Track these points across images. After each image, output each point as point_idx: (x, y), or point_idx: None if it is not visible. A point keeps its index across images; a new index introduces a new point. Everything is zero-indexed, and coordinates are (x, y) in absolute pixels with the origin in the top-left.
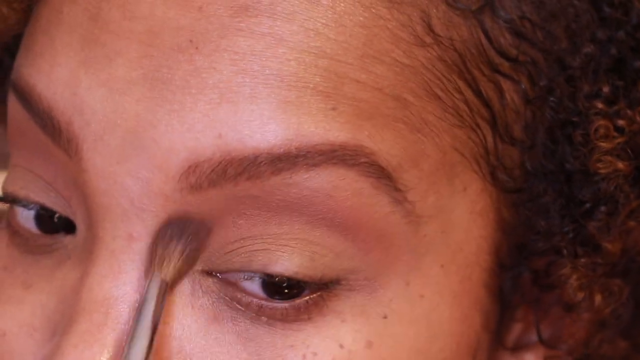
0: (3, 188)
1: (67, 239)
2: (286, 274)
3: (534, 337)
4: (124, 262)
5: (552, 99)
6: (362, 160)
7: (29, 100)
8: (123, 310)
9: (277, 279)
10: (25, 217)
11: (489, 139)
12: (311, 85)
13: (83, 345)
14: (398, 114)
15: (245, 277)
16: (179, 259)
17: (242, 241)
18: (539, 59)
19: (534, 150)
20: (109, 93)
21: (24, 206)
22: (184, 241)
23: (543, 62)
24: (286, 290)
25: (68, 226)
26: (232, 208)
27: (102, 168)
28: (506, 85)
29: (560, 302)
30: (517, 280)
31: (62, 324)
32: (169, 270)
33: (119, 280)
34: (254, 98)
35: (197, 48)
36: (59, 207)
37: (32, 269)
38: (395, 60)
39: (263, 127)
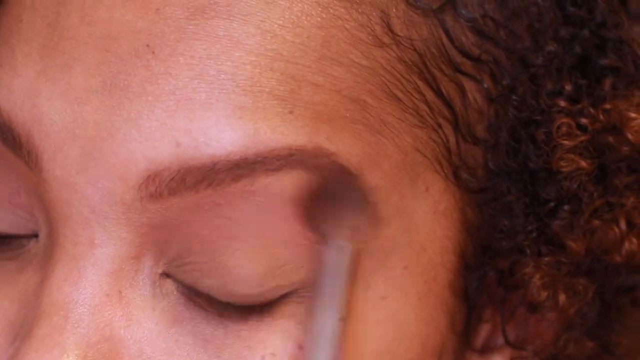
0: None
1: (30, 244)
2: (241, 292)
3: (501, 338)
4: (85, 268)
5: (514, 97)
6: (323, 161)
7: None
8: (83, 313)
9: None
10: None
11: (451, 138)
12: (267, 90)
13: (43, 350)
14: (356, 115)
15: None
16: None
17: (199, 256)
18: (502, 58)
19: (497, 149)
20: (68, 103)
21: None
22: (363, 209)
23: (506, 61)
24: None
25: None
26: (194, 216)
27: (62, 178)
28: (468, 84)
29: (525, 302)
30: (482, 280)
31: (23, 329)
32: (356, 238)
33: (79, 285)
34: (209, 104)
35: (153, 53)
36: (20, 228)
37: None
38: (353, 61)
39: (219, 133)
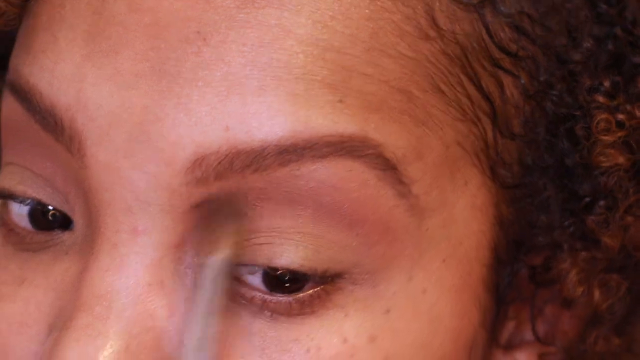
0: None
1: (64, 235)
2: (290, 267)
3: (526, 335)
4: (127, 256)
5: (552, 93)
6: (369, 152)
7: (29, 100)
8: (126, 303)
9: (279, 272)
10: (19, 215)
11: (489, 133)
12: (319, 78)
13: (85, 339)
14: (403, 106)
15: (249, 270)
16: (230, 238)
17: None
18: (538, 54)
19: (534, 145)
20: (115, 87)
21: (21, 202)
22: (232, 221)
23: (542, 57)
24: (287, 285)
25: (64, 223)
26: (238, 200)
27: (106, 163)
28: (506, 80)
29: (558, 298)
30: (514, 276)
31: (61, 319)
32: (222, 249)
33: (122, 274)
34: (262, 90)
35: (204, 40)
36: (56, 202)
37: (27, 264)
38: (400, 53)
39: (271, 119)
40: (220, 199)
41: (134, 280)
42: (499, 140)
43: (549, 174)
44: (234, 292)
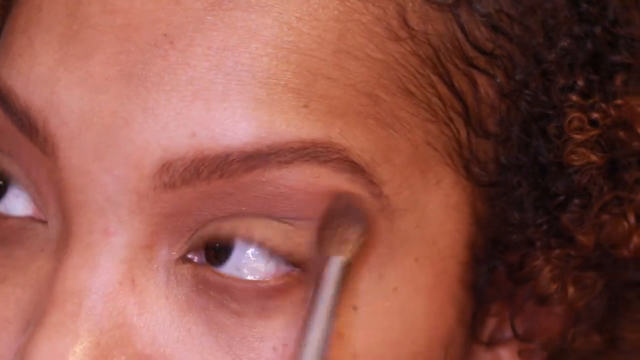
0: None
1: (38, 227)
2: (254, 240)
3: (508, 332)
4: (99, 255)
5: (527, 92)
6: (334, 156)
7: (6, 101)
8: (97, 301)
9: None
10: None
11: (462, 133)
12: (282, 82)
13: (56, 336)
14: (370, 110)
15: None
16: (356, 241)
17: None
18: (515, 53)
19: (508, 143)
20: (86, 91)
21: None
22: (358, 224)
23: (519, 56)
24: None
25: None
26: (207, 205)
27: (78, 166)
28: (481, 79)
29: (534, 295)
30: (491, 274)
31: (35, 316)
32: (347, 251)
33: (94, 272)
34: (226, 95)
35: (172, 43)
36: (32, 191)
37: (6, 261)
38: (368, 55)
39: (235, 125)
40: (343, 205)
41: (106, 278)
42: (472, 139)
43: (524, 172)
44: (203, 283)
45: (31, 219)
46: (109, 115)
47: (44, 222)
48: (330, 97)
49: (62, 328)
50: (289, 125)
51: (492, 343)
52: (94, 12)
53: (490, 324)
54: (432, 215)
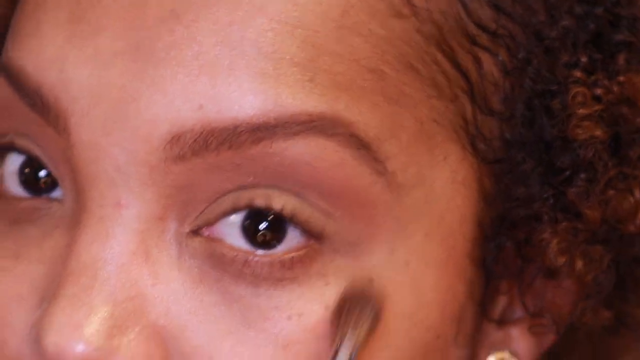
0: None
1: (53, 206)
2: (274, 207)
3: (518, 311)
4: (112, 228)
5: (530, 69)
6: (341, 130)
7: (18, 81)
8: (110, 272)
9: (263, 215)
10: (11, 175)
11: (468, 110)
12: (288, 57)
13: (71, 309)
14: (375, 86)
15: (230, 223)
16: (365, 328)
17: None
18: (517, 32)
19: (513, 120)
20: (95, 67)
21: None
22: (368, 312)
23: (521, 35)
24: (269, 236)
25: (53, 188)
26: (217, 176)
27: (88, 141)
28: (484, 57)
29: (543, 270)
30: (500, 251)
31: (50, 290)
32: (358, 336)
33: (107, 245)
34: (232, 70)
35: (178, 18)
36: (49, 165)
37: (21, 239)
38: (371, 32)
39: (241, 98)
40: (358, 290)
41: (118, 250)
42: (478, 116)
43: (529, 149)
44: (216, 256)
45: (47, 199)
46: (117, 91)
47: (60, 201)
48: (334, 72)
49: (76, 300)
50: (295, 99)
51: (503, 321)
52: None
53: (501, 302)
54: (440, 191)
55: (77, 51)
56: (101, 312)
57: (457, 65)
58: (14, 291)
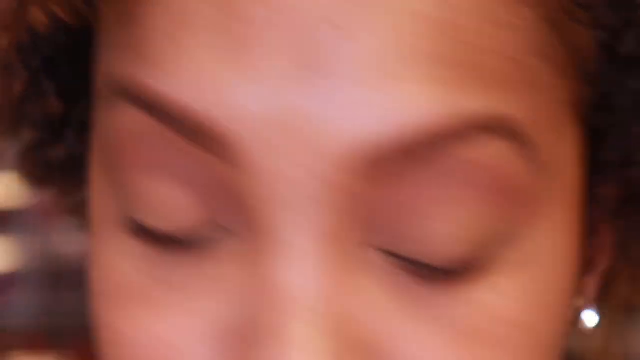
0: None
1: (223, 240)
2: (446, 257)
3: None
4: (303, 253)
5: (628, 39)
6: (498, 125)
7: (160, 109)
8: (318, 302)
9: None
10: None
11: (581, 86)
12: (447, 60)
13: (306, 351)
14: (517, 75)
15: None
16: None
17: (405, 225)
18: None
19: (618, 90)
20: (256, 86)
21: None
22: None
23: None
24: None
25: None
26: (397, 189)
27: (261, 164)
28: (586, 32)
29: None
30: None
31: (251, 329)
32: None
33: (306, 274)
34: (401, 77)
35: (339, 29)
36: (198, 221)
37: (182, 271)
38: (510, 22)
39: (415, 105)
40: None
41: (321, 279)
42: (587, 91)
43: (636, 115)
44: (411, 273)
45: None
46: (287, 110)
47: (222, 229)
48: (485, 67)
49: (307, 340)
50: (467, 100)
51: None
52: (246, 5)
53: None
54: (570, 169)
55: (233, 71)
56: (332, 348)
57: (568, 43)
58: (197, 330)
